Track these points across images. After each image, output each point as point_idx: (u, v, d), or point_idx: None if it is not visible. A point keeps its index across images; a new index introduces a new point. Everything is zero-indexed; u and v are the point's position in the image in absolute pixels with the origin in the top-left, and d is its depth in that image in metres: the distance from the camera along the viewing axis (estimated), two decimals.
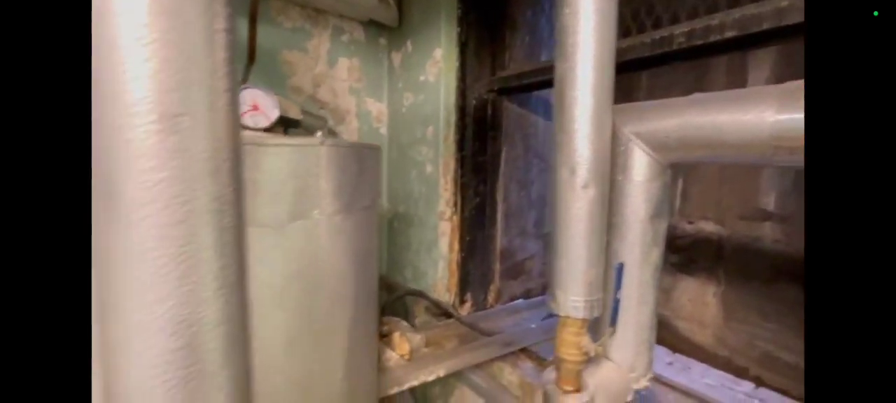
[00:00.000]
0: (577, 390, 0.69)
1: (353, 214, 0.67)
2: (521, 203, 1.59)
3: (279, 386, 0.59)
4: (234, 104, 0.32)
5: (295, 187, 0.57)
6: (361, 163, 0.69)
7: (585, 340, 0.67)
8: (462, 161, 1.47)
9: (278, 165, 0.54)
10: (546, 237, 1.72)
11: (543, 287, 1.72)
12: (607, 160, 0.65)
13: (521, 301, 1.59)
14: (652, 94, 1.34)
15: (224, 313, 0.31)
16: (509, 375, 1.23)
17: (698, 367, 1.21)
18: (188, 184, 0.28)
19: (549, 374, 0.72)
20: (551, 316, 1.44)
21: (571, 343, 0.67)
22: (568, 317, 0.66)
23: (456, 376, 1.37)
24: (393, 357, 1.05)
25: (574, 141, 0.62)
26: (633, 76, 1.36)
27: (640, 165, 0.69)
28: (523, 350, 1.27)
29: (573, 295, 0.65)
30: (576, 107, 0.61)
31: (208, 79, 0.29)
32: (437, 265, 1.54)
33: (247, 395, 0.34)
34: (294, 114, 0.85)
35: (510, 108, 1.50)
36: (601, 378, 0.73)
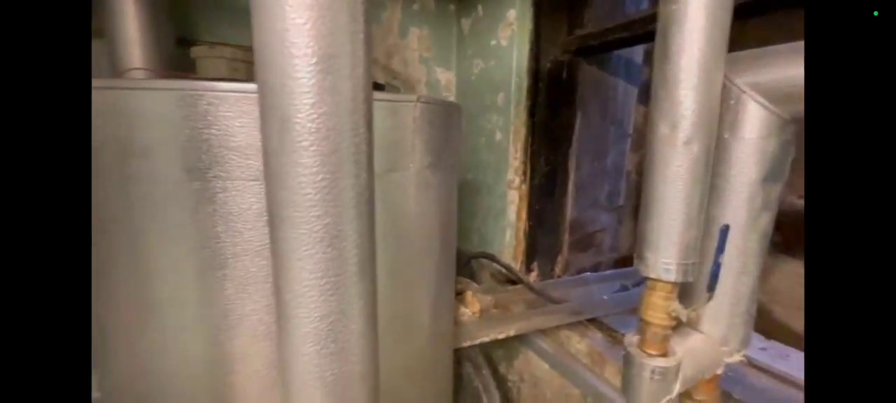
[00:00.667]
0: (663, 355, 0.67)
1: (440, 171, 0.71)
2: (594, 173, 1.53)
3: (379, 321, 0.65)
4: (368, 49, 0.35)
5: (393, 140, 0.61)
6: (449, 121, 0.71)
7: (675, 305, 0.65)
8: (533, 128, 1.43)
9: (380, 118, 0.58)
10: (620, 210, 1.63)
11: (614, 261, 1.65)
12: (716, 114, 0.59)
13: (590, 273, 1.55)
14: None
15: (359, 235, 0.36)
16: (577, 344, 1.23)
17: (797, 355, 1.09)
18: (338, 118, 0.33)
19: (632, 337, 0.71)
20: (624, 288, 1.39)
21: (659, 308, 0.65)
22: (658, 280, 0.64)
23: (521, 340, 1.40)
24: (466, 313, 1.10)
25: (678, 93, 0.58)
26: (736, 26, 1.19)
27: (753, 121, 0.62)
28: (592, 321, 1.26)
29: (665, 257, 0.62)
30: (682, 54, 0.56)
31: (351, 25, 0.33)
32: (504, 233, 1.55)
33: (374, 311, 0.40)
34: (381, 78, 0.90)
35: (587, 71, 1.41)
36: (689, 347, 0.70)
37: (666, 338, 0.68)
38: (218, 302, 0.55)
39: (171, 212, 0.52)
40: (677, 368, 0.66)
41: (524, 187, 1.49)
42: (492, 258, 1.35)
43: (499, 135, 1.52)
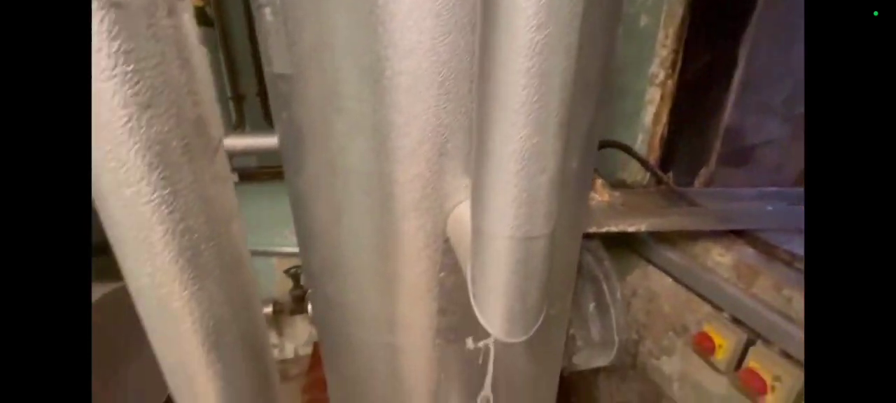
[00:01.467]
0: None
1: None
2: (771, 67, 1.22)
3: None
4: None
5: None
6: None
7: None
8: (694, 6, 1.18)
9: None
10: (797, 120, 1.30)
11: (778, 183, 1.36)
12: None
13: (750, 189, 1.31)
14: None
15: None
16: (719, 256, 1.07)
17: None
18: None
19: None
20: (793, 205, 1.14)
21: None
22: None
23: (639, 254, 1.30)
24: (594, 198, 1.04)
25: None
26: None
27: None
28: (740, 235, 1.08)
29: None
30: None
31: None
32: (635, 139, 1.39)
33: (572, 75, 0.36)
34: None
35: None
36: None
37: None
38: (389, 102, 0.59)
39: (353, 3, 0.56)
40: None
41: (670, 83, 1.28)
42: (626, 148, 1.23)
43: (644, 20, 1.31)
